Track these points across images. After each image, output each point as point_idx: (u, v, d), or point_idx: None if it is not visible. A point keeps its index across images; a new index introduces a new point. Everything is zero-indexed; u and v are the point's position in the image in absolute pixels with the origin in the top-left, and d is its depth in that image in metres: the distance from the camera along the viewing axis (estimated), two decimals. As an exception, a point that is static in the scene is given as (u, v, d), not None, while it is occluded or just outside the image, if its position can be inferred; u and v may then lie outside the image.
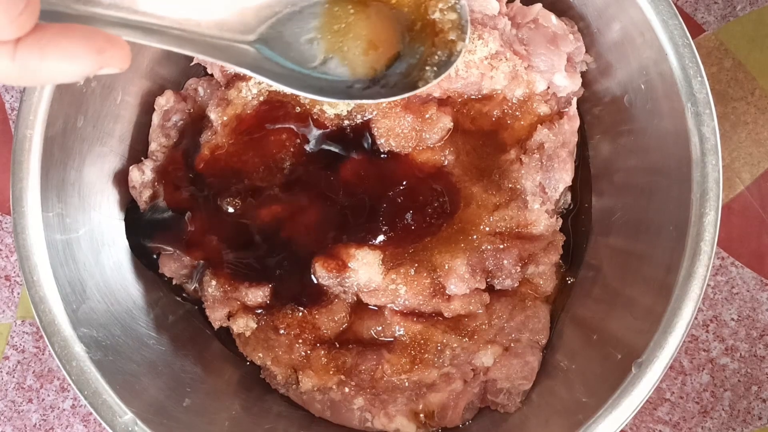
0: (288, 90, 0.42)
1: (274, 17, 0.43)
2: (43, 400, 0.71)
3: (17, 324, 0.72)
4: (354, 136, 0.60)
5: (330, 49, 0.45)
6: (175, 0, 0.38)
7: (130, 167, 0.62)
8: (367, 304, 0.60)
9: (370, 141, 0.60)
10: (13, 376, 0.71)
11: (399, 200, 0.59)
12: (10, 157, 0.54)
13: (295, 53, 0.44)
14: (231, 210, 0.59)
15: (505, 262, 0.59)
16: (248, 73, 0.41)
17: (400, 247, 0.59)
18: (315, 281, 0.59)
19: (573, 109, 0.62)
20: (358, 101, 0.47)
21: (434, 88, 0.60)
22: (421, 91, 0.47)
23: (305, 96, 0.43)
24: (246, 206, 0.60)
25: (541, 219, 0.60)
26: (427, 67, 0.47)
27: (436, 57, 0.47)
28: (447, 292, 0.59)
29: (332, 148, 0.60)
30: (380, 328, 0.60)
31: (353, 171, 0.60)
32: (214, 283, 0.60)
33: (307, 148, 0.60)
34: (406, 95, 0.46)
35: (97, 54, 0.32)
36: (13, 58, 0.30)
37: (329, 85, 0.44)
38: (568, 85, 0.62)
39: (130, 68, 0.35)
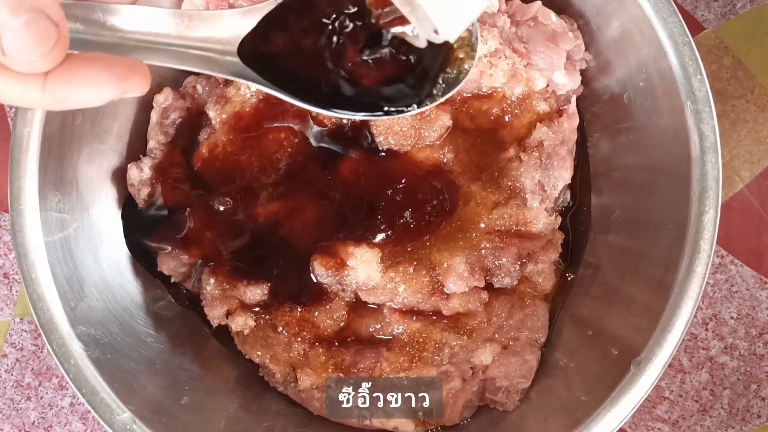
0: (307, 107, 0.43)
1: None
2: (41, 398, 0.71)
3: (16, 322, 0.72)
4: (353, 134, 0.60)
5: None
6: (199, 20, 0.39)
7: (129, 165, 0.62)
8: (366, 303, 0.60)
9: (369, 139, 0.60)
10: (12, 374, 0.71)
11: (398, 198, 0.59)
12: (7, 155, 0.53)
13: None
14: (222, 209, 0.59)
15: (504, 260, 0.59)
16: (272, 92, 0.42)
17: (399, 245, 0.59)
18: (314, 279, 0.59)
19: (572, 107, 0.62)
20: (369, 118, 0.47)
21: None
22: (429, 108, 0.47)
23: (323, 113, 0.44)
24: (244, 204, 0.60)
25: (540, 217, 0.60)
26: (436, 84, 0.47)
27: (445, 74, 0.47)
28: (446, 290, 0.59)
29: (331, 146, 0.60)
30: (379, 326, 0.60)
31: (352, 169, 0.60)
32: (212, 281, 0.60)
33: (306, 146, 0.60)
34: (414, 112, 0.46)
35: (120, 82, 0.34)
36: (43, 90, 0.32)
37: (342, 100, 0.45)
38: (568, 82, 0.62)
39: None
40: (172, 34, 0.38)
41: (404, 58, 0.45)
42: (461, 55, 0.46)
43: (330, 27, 0.44)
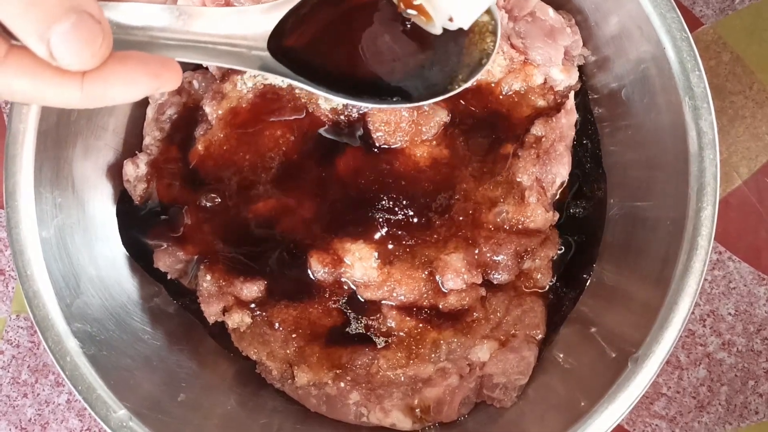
0: (333, 98, 0.44)
1: None
2: (38, 394, 0.71)
3: (12, 319, 0.72)
4: (349, 130, 0.60)
5: None
6: (224, 16, 0.40)
7: (125, 161, 0.62)
8: (363, 299, 0.60)
9: (365, 134, 0.60)
10: (8, 371, 0.71)
11: (395, 194, 0.59)
12: (3, 151, 0.53)
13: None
14: (209, 205, 0.59)
15: (502, 256, 0.59)
16: (301, 85, 0.43)
17: (396, 241, 0.59)
18: (310, 276, 0.59)
19: (570, 102, 0.62)
20: (391, 106, 0.47)
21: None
22: (454, 94, 0.47)
23: (345, 102, 0.45)
24: (241, 200, 0.60)
25: (538, 213, 0.60)
26: (459, 70, 0.47)
27: (467, 60, 0.47)
28: (443, 286, 0.58)
29: (328, 142, 0.60)
30: (376, 323, 0.60)
31: (349, 165, 0.59)
32: (208, 277, 0.60)
33: (302, 142, 0.60)
34: (438, 99, 0.46)
35: (154, 79, 0.34)
36: (81, 89, 0.33)
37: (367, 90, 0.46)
38: (565, 78, 0.62)
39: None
40: (200, 31, 0.39)
41: (427, 46, 0.45)
42: (483, 40, 0.47)
43: (354, 18, 0.45)
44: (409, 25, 0.45)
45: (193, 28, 0.39)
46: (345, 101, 0.44)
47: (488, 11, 0.46)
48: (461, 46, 0.47)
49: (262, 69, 0.42)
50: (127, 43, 0.37)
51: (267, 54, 0.42)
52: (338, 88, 0.44)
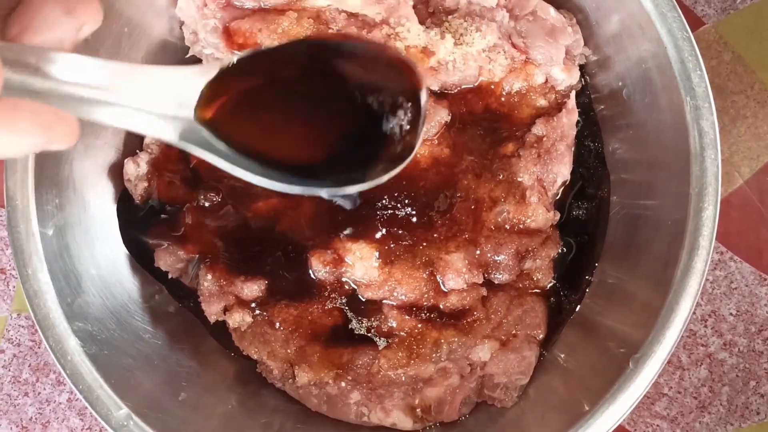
0: (258, 183, 0.38)
1: None
2: (39, 393, 0.71)
3: (13, 317, 0.72)
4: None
5: None
6: (149, 74, 0.35)
7: (125, 160, 0.62)
8: (364, 299, 0.60)
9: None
10: (9, 370, 0.71)
11: (395, 194, 0.59)
12: (3, 150, 0.53)
13: None
14: (207, 204, 0.59)
15: (503, 256, 0.59)
16: (221, 165, 0.37)
17: (397, 241, 0.59)
18: (311, 275, 0.59)
19: (571, 102, 0.62)
20: (307, 191, 0.41)
21: (431, 81, 0.59)
22: (369, 186, 0.41)
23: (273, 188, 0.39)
24: (242, 200, 0.60)
25: (539, 213, 0.60)
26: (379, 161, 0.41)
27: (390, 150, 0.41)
28: (444, 286, 0.58)
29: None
30: (377, 322, 0.60)
31: (349, 164, 0.59)
32: (209, 276, 0.60)
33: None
34: (351, 190, 0.40)
35: (45, 131, 0.31)
36: None
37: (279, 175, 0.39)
38: (566, 78, 0.61)
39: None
40: (113, 87, 0.34)
41: (369, 128, 0.40)
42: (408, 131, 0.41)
43: (291, 89, 0.39)
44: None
45: (104, 83, 0.33)
46: (268, 186, 0.38)
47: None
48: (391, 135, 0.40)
49: (184, 140, 0.35)
50: (23, 91, 0.31)
51: (196, 123, 0.35)
52: (265, 163, 0.37)
